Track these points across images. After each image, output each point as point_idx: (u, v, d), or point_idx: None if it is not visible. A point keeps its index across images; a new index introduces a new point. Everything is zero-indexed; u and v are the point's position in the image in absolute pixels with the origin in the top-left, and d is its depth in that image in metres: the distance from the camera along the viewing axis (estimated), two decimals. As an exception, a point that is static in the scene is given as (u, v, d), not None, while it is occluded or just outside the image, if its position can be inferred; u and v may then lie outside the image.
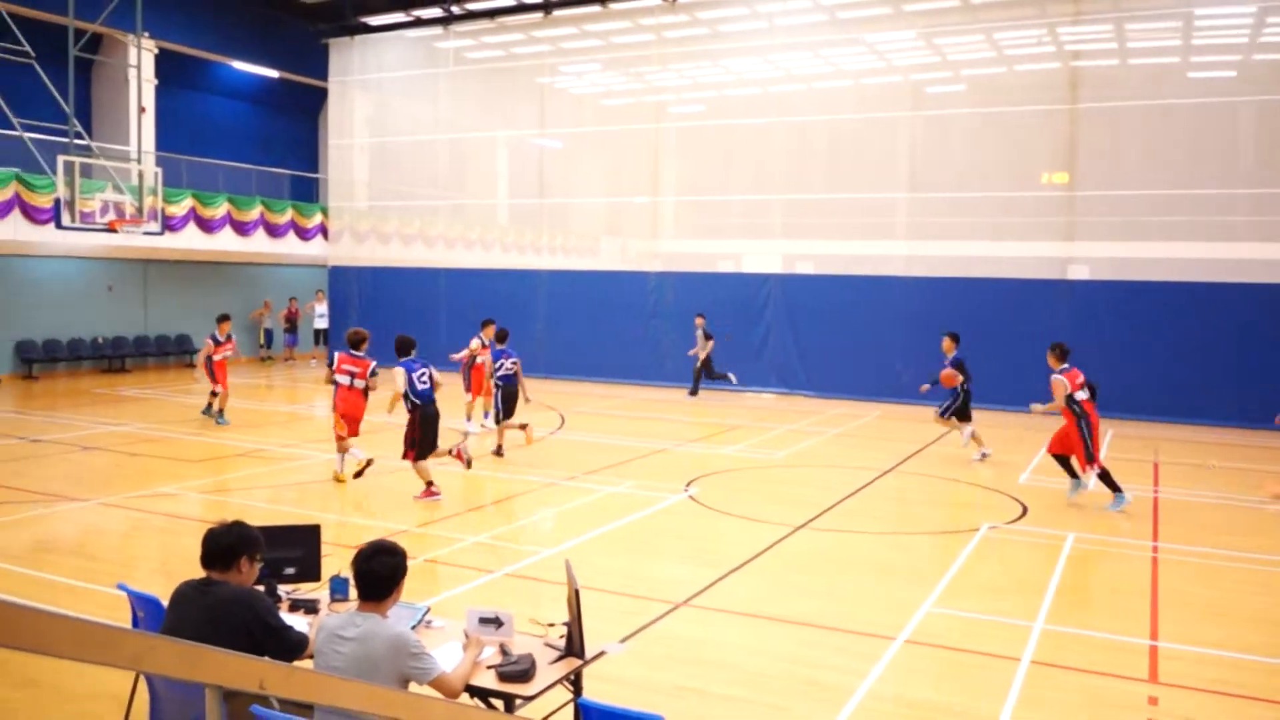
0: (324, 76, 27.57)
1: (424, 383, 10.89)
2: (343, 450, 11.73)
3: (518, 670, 4.26)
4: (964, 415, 13.79)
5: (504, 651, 4.47)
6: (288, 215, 26.36)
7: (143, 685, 4.82)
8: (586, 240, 26.79)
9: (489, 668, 4.33)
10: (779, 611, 7.34)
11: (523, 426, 14.13)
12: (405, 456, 10.91)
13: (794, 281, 21.94)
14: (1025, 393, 12.95)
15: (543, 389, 21.59)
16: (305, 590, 5.34)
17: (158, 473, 12.10)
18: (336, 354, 12.06)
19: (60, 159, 16.90)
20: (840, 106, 21.63)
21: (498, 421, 13.78)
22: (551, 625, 4.81)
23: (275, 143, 29.36)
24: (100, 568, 8.30)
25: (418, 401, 10.78)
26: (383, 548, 4.09)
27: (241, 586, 4.28)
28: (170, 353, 25.38)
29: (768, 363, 21.58)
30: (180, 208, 22.89)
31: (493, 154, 27.09)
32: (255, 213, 25.19)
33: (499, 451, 13.49)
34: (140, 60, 20.86)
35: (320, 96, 28.96)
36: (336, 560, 6.63)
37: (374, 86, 27.18)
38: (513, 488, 11.62)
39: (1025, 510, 10.87)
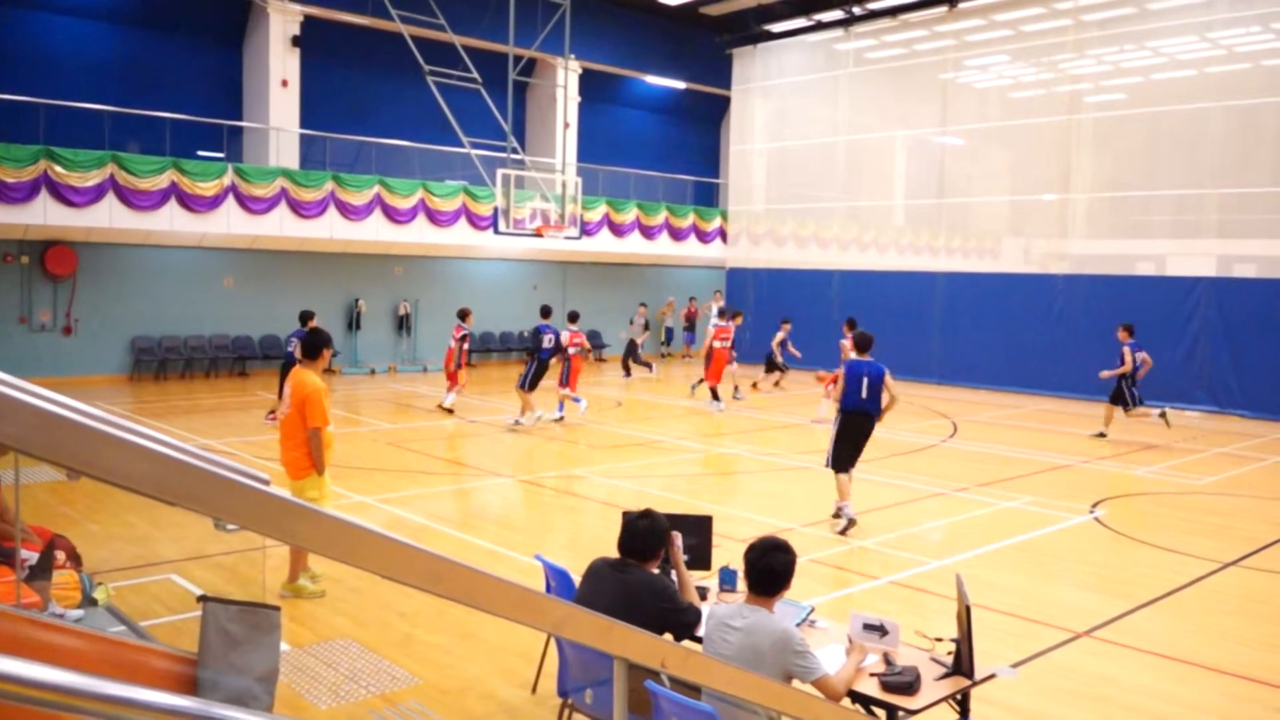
0: (727, 85, 28.70)
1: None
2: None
3: (903, 682, 4.18)
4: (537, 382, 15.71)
5: (888, 661, 4.41)
6: (689, 219, 27.76)
7: (552, 646, 5.32)
8: (987, 241, 25.53)
9: (872, 675, 4.29)
10: (1200, 656, 6.56)
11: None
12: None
13: (1231, 286, 19.40)
14: None
15: (935, 395, 20.94)
16: (696, 578, 5.59)
17: (569, 456, 13.26)
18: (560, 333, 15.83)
19: (499, 172, 19.05)
20: (1297, 85, 18.81)
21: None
22: (939, 640, 4.67)
23: (679, 150, 31.00)
24: (518, 537, 9.28)
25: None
26: (776, 545, 4.19)
27: (652, 574, 4.59)
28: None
29: (1195, 377, 19.29)
30: (595, 214, 24.92)
31: (890, 154, 26.66)
32: (660, 217, 26.81)
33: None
34: (567, 80, 22.98)
35: (722, 104, 30.18)
36: (724, 552, 6.89)
37: (774, 92, 27.81)
38: (899, 495, 11.39)
39: None
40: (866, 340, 9.89)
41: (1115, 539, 9.68)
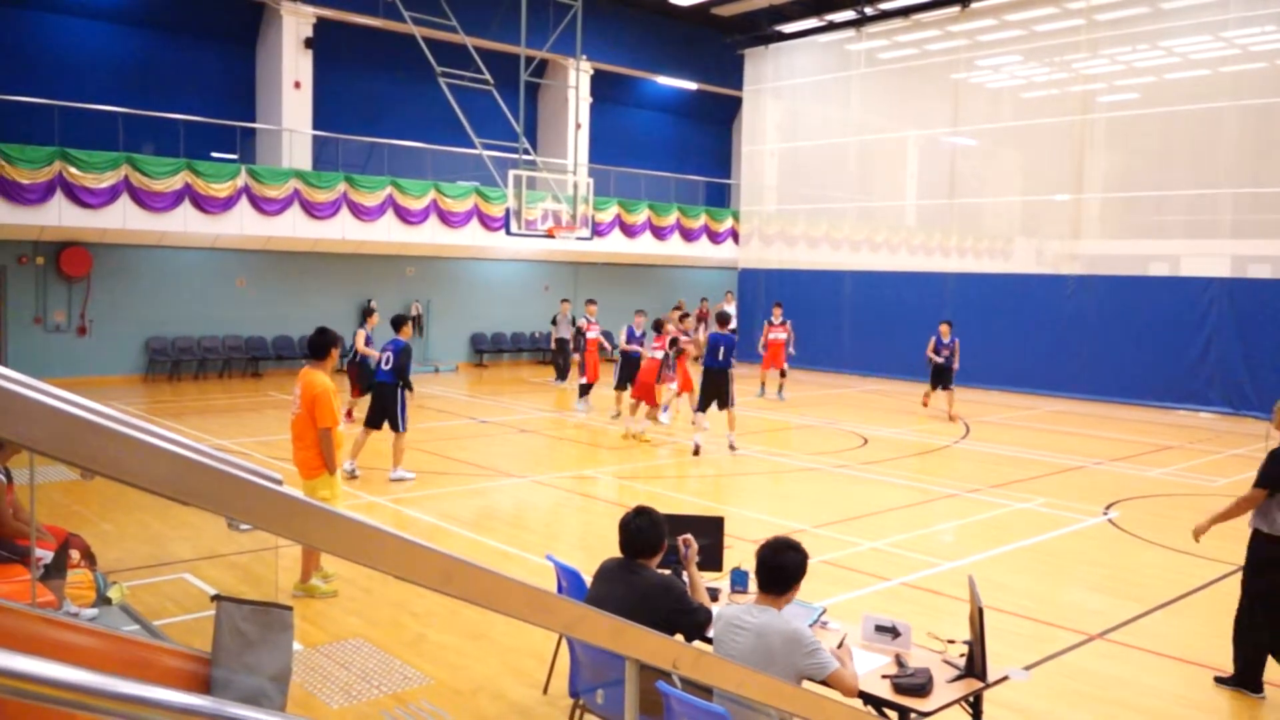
0: (738, 86, 28.67)
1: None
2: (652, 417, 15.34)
3: (914, 684, 4.17)
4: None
5: (900, 663, 4.40)
6: (701, 220, 27.75)
7: (564, 647, 5.33)
8: (999, 242, 25.46)
9: (884, 677, 4.28)
10: (1214, 659, 6.52)
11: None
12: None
13: (1246, 286, 19.27)
14: None
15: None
16: (707, 579, 5.59)
17: (580, 456, 13.26)
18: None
19: (510, 173, 19.07)
20: (1313, 85, 18.69)
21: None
22: (951, 642, 4.65)
23: (691, 151, 31.00)
24: (530, 538, 9.29)
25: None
26: (787, 544, 4.19)
27: (663, 574, 4.61)
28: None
29: (1209, 378, 19.18)
30: (607, 215, 24.92)
31: (902, 155, 26.59)
32: (672, 218, 26.81)
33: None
34: (578, 81, 22.99)
35: (734, 105, 30.15)
36: (736, 553, 6.89)
37: (785, 93, 27.77)
38: (912, 496, 11.36)
39: None
40: (725, 317, 14.98)
41: (1129, 541, 9.64)
